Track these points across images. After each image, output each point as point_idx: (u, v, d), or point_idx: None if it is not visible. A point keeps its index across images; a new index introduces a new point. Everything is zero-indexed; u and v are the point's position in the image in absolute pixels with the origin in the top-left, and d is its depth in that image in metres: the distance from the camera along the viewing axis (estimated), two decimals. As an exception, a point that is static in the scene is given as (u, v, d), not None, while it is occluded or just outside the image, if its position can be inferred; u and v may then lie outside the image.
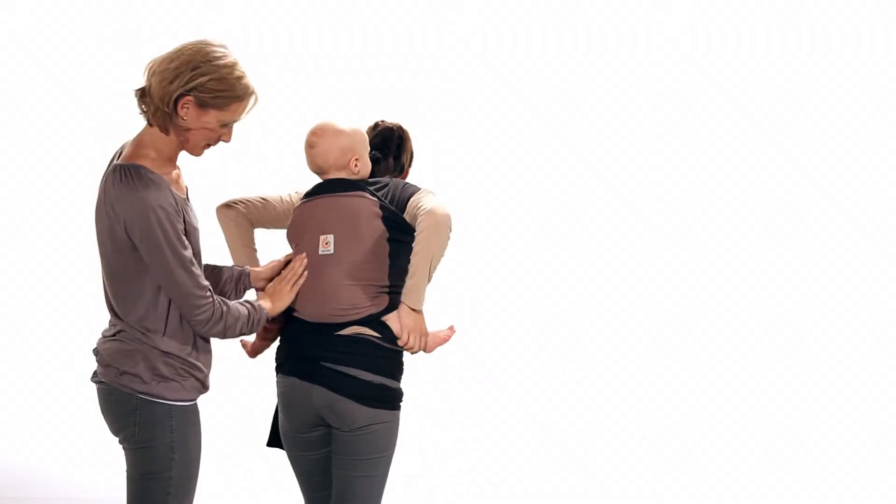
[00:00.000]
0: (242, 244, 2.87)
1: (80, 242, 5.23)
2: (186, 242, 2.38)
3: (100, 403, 2.48)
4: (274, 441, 2.89)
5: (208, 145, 2.47)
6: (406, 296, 2.64)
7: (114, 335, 2.44)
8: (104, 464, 4.51)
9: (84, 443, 4.74)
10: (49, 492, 4.53)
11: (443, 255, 2.61)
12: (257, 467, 4.57)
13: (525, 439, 5.01)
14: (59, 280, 5.26)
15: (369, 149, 2.83)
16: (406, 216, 2.68)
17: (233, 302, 2.51)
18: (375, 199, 2.69)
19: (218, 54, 2.39)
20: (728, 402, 5.13)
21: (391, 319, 2.66)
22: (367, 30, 5.24)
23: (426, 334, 2.68)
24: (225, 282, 2.69)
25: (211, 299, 2.42)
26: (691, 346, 5.22)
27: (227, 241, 2.89)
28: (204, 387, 2.50)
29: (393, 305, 2.68)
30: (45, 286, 5.28)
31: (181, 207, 2.40)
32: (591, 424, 5.07)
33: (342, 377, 2.63)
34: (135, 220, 2.31)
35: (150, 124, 2.43)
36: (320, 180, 2.82)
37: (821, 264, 5.24)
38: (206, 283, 2.43)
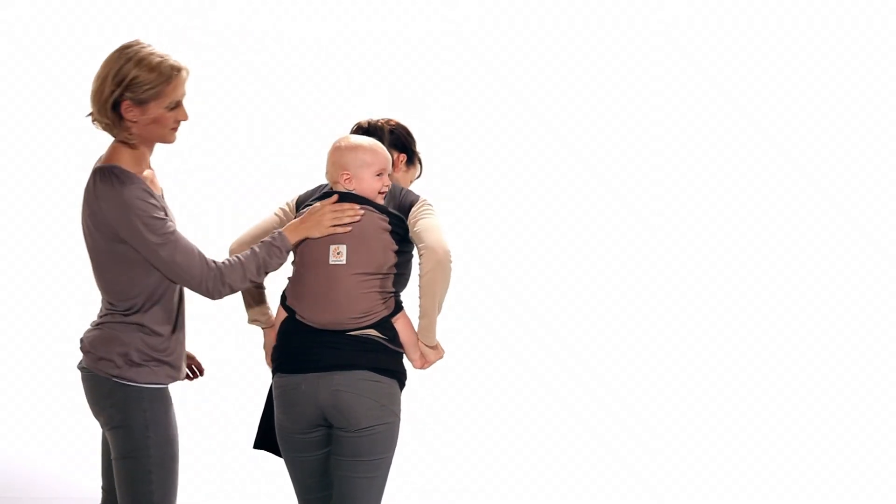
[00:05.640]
0: (255, 287, 2.87)
1: (81, 243, 5.23)
2: (169, 221, 2.55)
3: (84, 388, 2.67)
4: (262, 444, 2.90)
5: (173, 129, 2.61)
6: (422, 335, 2.76)
7: (98, 324, 2.64)
8: (104, 464, 4.50)
9: (84, 443, 4.73)
10: (49, 492, 4.54)
11: (448, 288, 2.70)
12: (251, 467, 4.57)
13: (524, 440, 5.02)
14: (58, 280, 5.25)
15: (376, 169, 2.77)
16: (408, 222, 2.76)
17: (233, 256, 2.66)
18: (382, 213, 2.74)
19: (130, 52, 2.55)
20: (728, 403, 5.13)
21: (410, 351, 2.79)
22: (368, 28, 5.24)
23: (443, 354, 2.83)
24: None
25: (205, 266, 2.57)
26: (691, 346, 5.22)
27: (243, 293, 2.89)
28: (176, 372, 2.65)
29: (398, 307, 2.78)
30: (44, 286, 5.27)
31: (159, 201, 2.59)
32: (591, 424, 5.07)
33: (349, 377, 2.65)
34: (119, 215, 2.51)
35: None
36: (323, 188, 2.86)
37: (821, 264, 5.24)
38: (196, 250, 2.58)
